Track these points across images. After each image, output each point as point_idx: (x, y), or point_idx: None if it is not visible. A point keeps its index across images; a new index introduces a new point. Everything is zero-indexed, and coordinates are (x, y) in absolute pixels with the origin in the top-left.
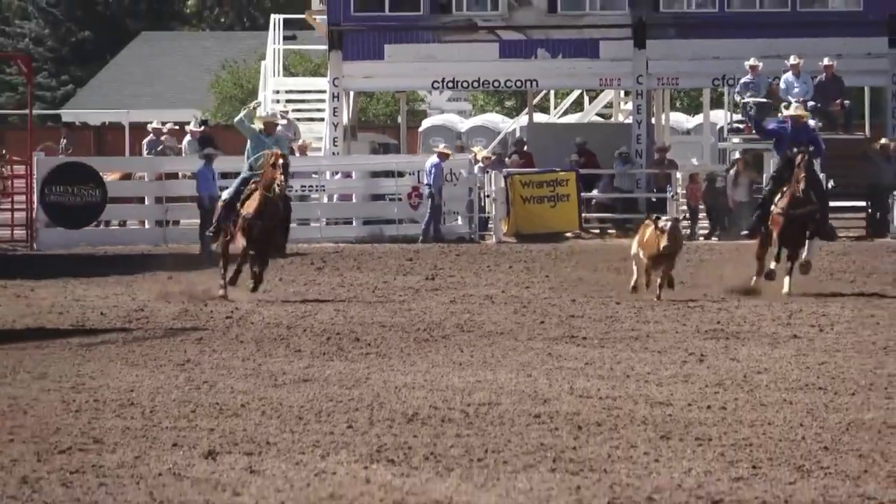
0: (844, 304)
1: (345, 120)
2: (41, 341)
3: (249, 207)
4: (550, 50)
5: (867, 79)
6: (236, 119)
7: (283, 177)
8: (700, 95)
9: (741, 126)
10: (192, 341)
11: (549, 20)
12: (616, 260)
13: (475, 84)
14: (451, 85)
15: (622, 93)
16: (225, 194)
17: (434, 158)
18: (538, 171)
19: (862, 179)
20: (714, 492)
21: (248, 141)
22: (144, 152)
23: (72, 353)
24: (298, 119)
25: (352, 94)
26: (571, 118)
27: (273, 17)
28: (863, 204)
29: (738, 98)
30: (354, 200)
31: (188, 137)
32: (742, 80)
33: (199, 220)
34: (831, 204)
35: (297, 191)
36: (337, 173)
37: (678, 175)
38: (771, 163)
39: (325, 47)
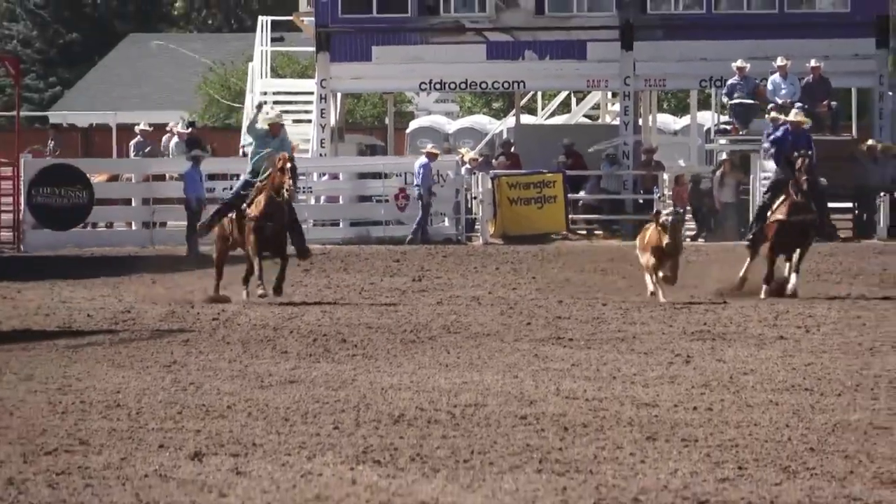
0: (831, 306)
1: (332, 121)
2: (28, 343)
3: (256, 209)
4: (538, 51)
5: (854, 80)
6: (247, 127)
7: (291, 181)
8: (687, 97)
9: (728, 127)
10: (178, 343)
11: (536, 22)
12: (603, 261)
13: (462, 85)
14: (438, 86)
15: (609, 94)
16: (227, 197)
17: (423, 159)
18: (525, 172)
19: (849, 181)
20: (700, 493)
21: (253, 142)
22: (132, 154)
23: (58, 355)
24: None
25: (339, 95)
26: (559, 119)
27: (261, 18)
28: (849, 205)
29: (725, 99)
30: (341, 202)
31: (175, 139)
32: (729, 82)
33: (186, 222)
34: None
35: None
36: (324, 175)
37: (665, 176)
38: (758, 164)
39: (312, 49)
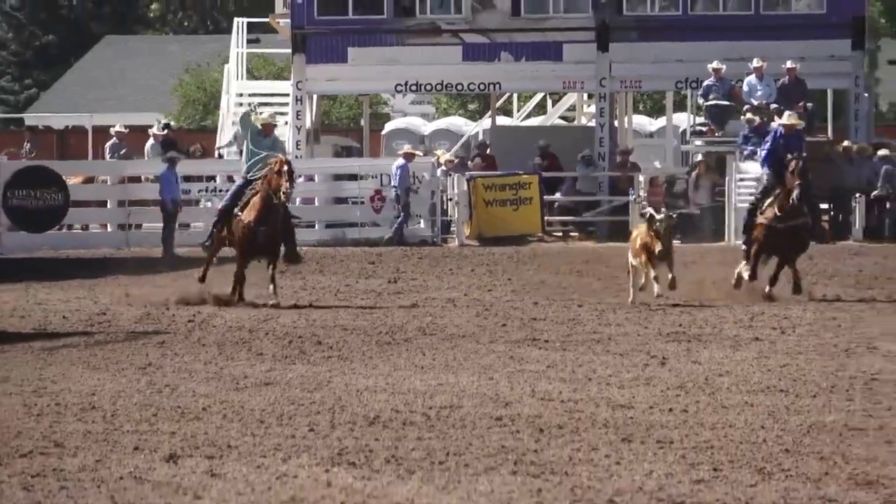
0: (806, 307)
1: (308, 123)
2: (2, 345)
3: (250, 214)
4: (514, 53)
5: (830, 81)
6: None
7: (288, 183)
8: (663, 98)
9: (704, 129)
10: (153, 345)
11: (512, 23)
12: (578, 263)
13: (438, 87)
14: (414, 88)
15: (585, 95)
16: (222, 202)
17: (400, 160)
18: (501, 174)
19: (824, 182)
20: (675, 494)
21: (246, 143)
22: (107, 156)
23: (33, 357)
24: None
25: (315, 97)
26: (534, 121)
27: (236, 20)
28: (825, 206)
29: (700, 101)
30: (317, 203)
31: (151, 141)
32: (705, 83)
33: (161, 224)
34: None
35: None
36: (299, 176)
37: (641, 178)
38: (734, 166)
39: (288, 50)
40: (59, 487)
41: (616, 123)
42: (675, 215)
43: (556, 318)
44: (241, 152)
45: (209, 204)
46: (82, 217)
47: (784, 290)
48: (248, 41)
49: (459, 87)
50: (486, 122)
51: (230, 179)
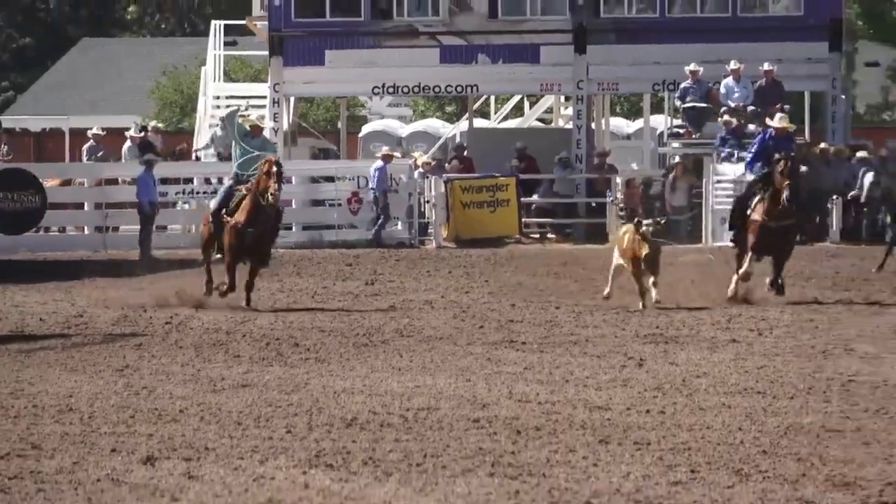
0: (783, 309)
1: (285, 125)
2: None
3: (240, 216)
4: (491, 55)
5: (807, 83)
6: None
7: (277, 185)
8: (640, 100)
9: (681, 131)
10: (131, 347)
11: (489, 25)
12: (556, 265)
13: (416, 89)
14: (391, 90)
15: (562, 98)
16: (213, 203)
17: (378, 162)
18: (478, 176)
19: (801, 184)
20: (652, 496)
21: (234, 144)
22: (84, 158)
23: (11, 359)
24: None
25: (292, 99)
26: (512, 123)
27: (213, 23)
28: None
29: (678, 103)
30: (294, 206)
31: (128, 143)
32: (682, 85)
33: (138, 226)
34: None
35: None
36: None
37: (618, 180)
38: (711, 168)
39: (265, 53)
40: (36, 490)
41: (593, 125)
42: (662, 220)
43: (533, 319)
44: (218, 154)
45: (186, 206)
46: (59, 219)
47: (760, 291)
48: (226, 43)
49: (437, 90)
50: (463, 125)
51: (207, 182)
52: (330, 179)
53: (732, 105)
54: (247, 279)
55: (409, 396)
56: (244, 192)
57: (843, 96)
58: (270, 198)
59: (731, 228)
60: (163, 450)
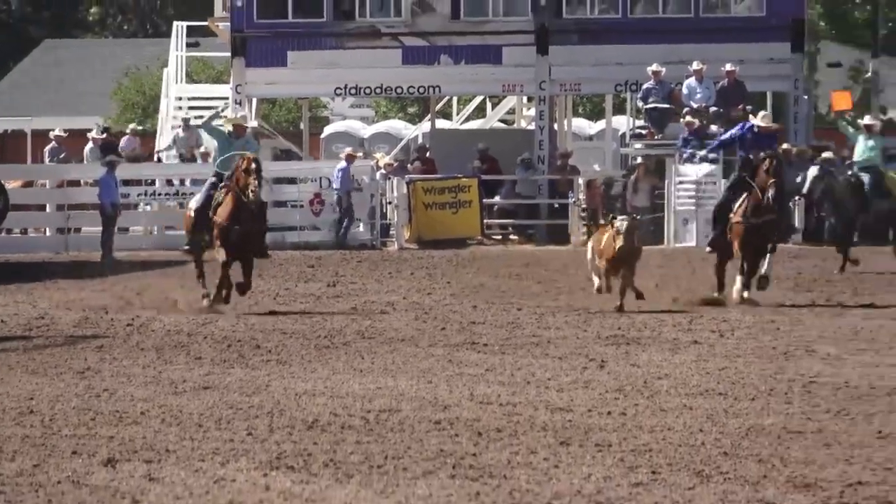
0: (745, 310)
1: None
2: None
3: (222, 214)
4: (453, 56)
5: (770, 84)
6: (202, 123)
7: (256, 181)
8: (602, 101)
9: (643, 132)
10: (92, 349)
11: (452, 26)
12: (518, 266)
13: (378, 90)
14: (353, 91)
15: (525, 99)
16: (193, 202)
17: (342, 163)
18: (440, 177)
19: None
20: (614, 497)
21: (216, 144)
22: (46, 160)
23: None
24: (201, 126)
25: (254, 100)
26: (474, 124)
27: (176, 24)
28: None
29: (640, 104)
30: None
31: (90, 145)
32: (644, 86)
33: (100, 228)
34: None
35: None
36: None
37: (581, 181)
38: (673, 169)
39: (227, 54)
40: None
41: (555, 126)
42: (638, 217)
43: (495, 321)
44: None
45: (148, 208)
46: (21, 221)
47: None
48: (188, 45)
49: (399, 91)
50: (425, 126)
51: (169, 183)
52: (292, 181)
53: (695, 106)
54: (241, 281)
55: (370, 398)
56: (223, 191)
57: (806, 97)
58: (251, 194)
59: (713, 230)
60: (124, 452)
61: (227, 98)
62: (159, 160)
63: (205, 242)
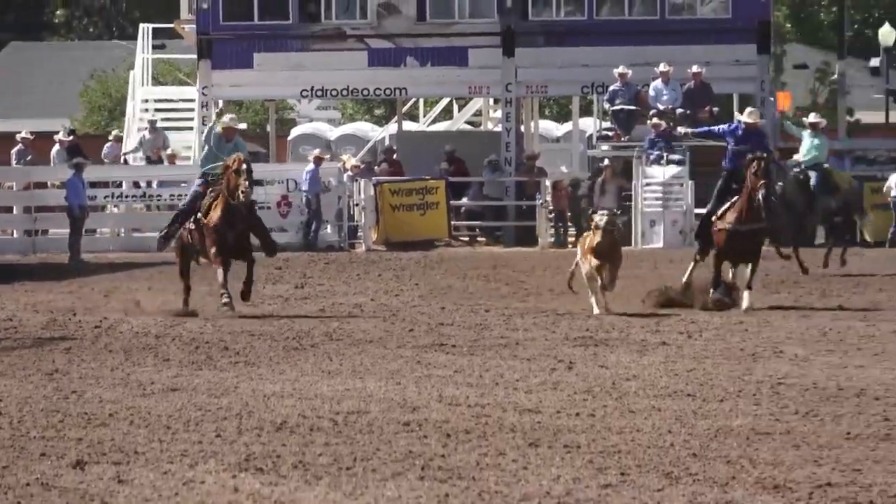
0: (713, 311)
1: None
2: None
3: (213, 217)
4: (419, 58)
5: (736, 86)
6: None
7: (247, 182)
8: (569, 103)
9: (610, 134)
10: (60, 351)
11: (418, 28)
12: (485, 267)
13: (344, 92)
14: (320, 93)
15: (491, 101)
16: (182, 204)
17: (310, 165)
18: (407, 179)
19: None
20: (583, 499)
21: (206, 146)
22: (13, 162)
23: None
24: (167, 128)
25: (220, 102)
26: (441, 126)
27: (142, 26)
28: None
29: (607, 106)
30: None
31: (57, 147)
32: (611, 88)
33: (68, 230)
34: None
35: (166, 200)
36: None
37: (548, 182)
38: (640, 170)
39: (194, 56)
40: None
41: (522, 128)
42: (618, 212)
43: (463, 322)
44: (147, 158)
45: (115, 210)
46: None
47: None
48: (154, 47)
49: (365, 93)
50: (392, 128)
51: (136, 185)
52: (259, 183)
53: (661, 107)
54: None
55: (338, 400)
56: (213, 194)
57: (772, 98)
58: (241, 196)
59: (696, 237)
60: (92, 454)
61: (193, 100)
62: (126, 162)
63: (197, 249)
